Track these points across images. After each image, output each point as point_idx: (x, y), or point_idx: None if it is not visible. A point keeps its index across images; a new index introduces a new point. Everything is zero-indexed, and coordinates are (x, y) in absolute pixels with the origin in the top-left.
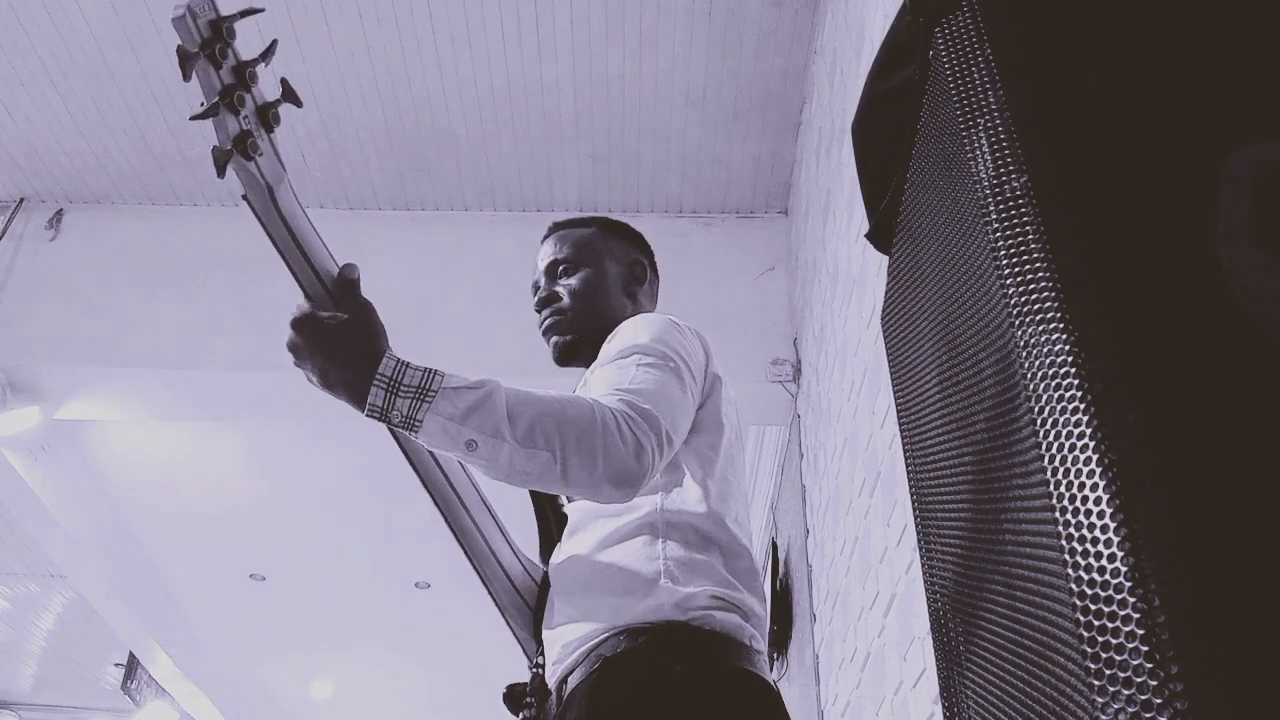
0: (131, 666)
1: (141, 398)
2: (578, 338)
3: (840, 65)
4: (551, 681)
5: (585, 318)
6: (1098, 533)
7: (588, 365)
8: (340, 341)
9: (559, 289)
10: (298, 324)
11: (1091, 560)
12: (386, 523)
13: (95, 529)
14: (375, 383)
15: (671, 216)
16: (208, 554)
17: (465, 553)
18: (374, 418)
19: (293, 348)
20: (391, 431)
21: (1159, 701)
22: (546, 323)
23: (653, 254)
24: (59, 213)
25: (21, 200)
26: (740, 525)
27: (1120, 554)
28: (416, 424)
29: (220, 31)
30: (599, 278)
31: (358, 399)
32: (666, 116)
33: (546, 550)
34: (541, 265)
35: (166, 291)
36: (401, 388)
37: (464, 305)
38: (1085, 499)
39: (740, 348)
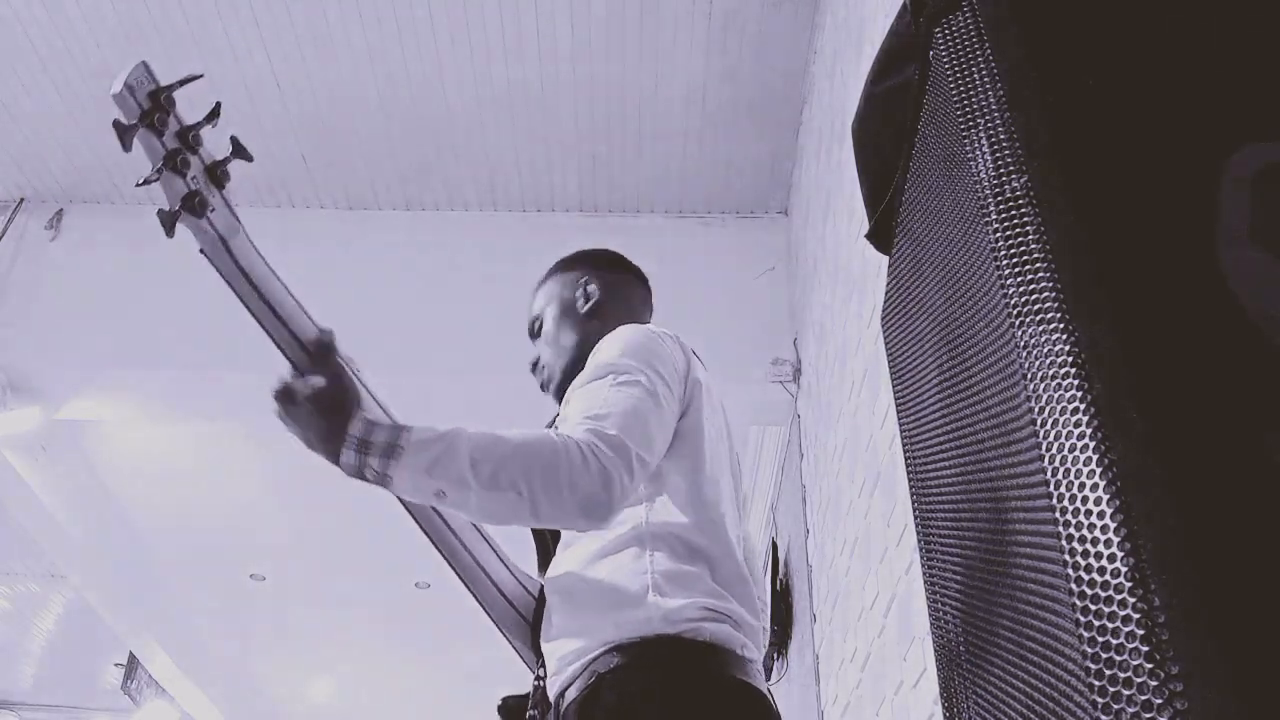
0: (131, 666)
1: (141, 398)
2: (562, 380)
3: (840, 65)
4: (551, 694)
5: (557, 363)
6: (1098, 533)
7: None
8: (315, 409)
9: (537, 347)
10: (278, 395)
11: (1091, 560)
12: (386, 523)
13: (95, 529)
14: (346, 444)
15: (672, 216)
16: (208, 554)
17: (453, 569)
18: (351, 476)
19: (278, 416)
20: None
21: (1159, 701)
22: (539, 382)
23: (616, 262)
24: (59, 213)
25: (21, 200)
26: (733, 529)
27: (1120, 554)
28: (388, 479)
29: (159, 101)
30: (555, 320)
31: (334, 460)
32: (666, 117)
33: (544, 563)
34: (529, 331)
35: (166, 291)
36: (371, 446)
37: (464, 305)
38: (1085, 499)
39: (740, 348)
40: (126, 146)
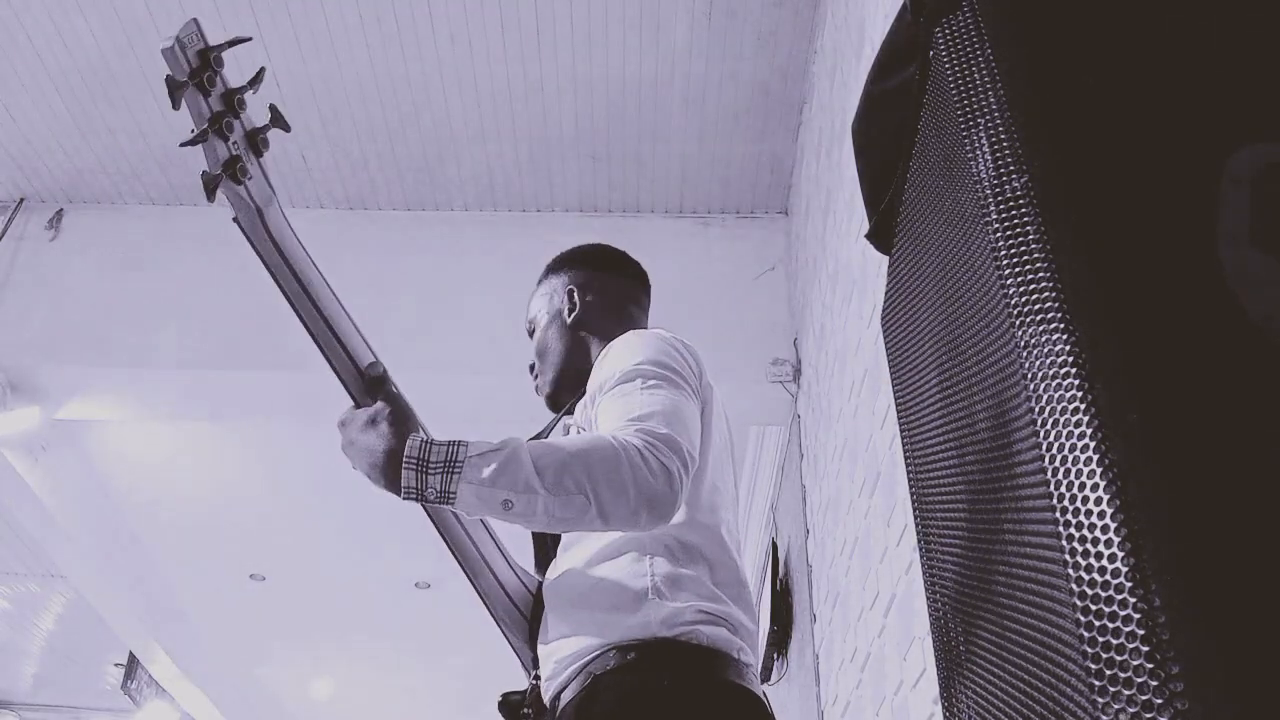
0: (131, 666)
1: (141, 398)
2: (553, 390)
3: (840, 65)
4: (546, 696)
5: (548, 371)
6: (1098, 533)
7: (577, 397)
8: (373, 437)
9: (533, 351)
10: (340, 425)
11: (1092, 560)
12: (386, 523)
13: (95, 529)
14: (405, 465)
15: (671, 216)
16: (208, 554)
17: (459, 564)
18: (411, 498)
19: (342, 449)
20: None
21: (1159, 702)
22: (535, 387)
23: (611, 263)
24: (59, 213)
25: (21, 200)
26: (730, 534)
27: (1120, 554)
28: (451, 495)
29: (208, 60)
30: (545, 330)
31: (395, 485)
32: (666, 116)
33: (542, 563)
34: (528, 334)
35: (166, 291)
36: (430, 465)
37: (464, 306)
38: (1085, 499)
39: (740, 348)
40: (176, 104)
